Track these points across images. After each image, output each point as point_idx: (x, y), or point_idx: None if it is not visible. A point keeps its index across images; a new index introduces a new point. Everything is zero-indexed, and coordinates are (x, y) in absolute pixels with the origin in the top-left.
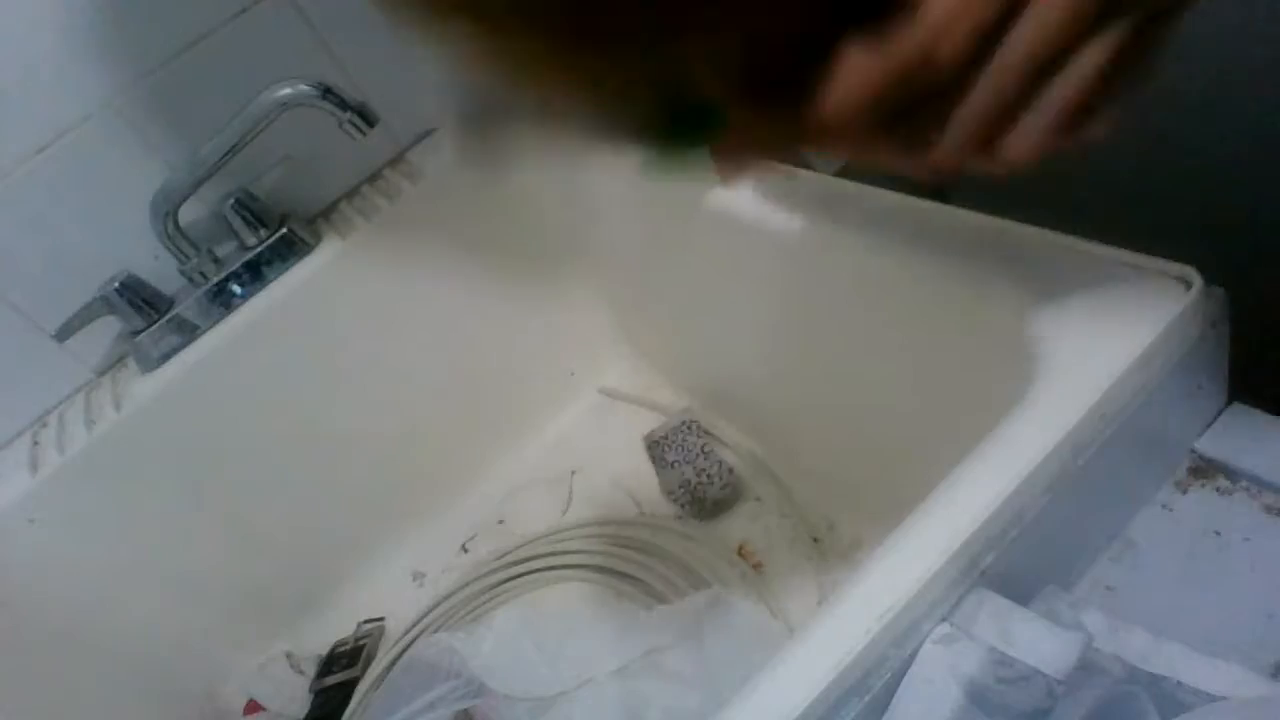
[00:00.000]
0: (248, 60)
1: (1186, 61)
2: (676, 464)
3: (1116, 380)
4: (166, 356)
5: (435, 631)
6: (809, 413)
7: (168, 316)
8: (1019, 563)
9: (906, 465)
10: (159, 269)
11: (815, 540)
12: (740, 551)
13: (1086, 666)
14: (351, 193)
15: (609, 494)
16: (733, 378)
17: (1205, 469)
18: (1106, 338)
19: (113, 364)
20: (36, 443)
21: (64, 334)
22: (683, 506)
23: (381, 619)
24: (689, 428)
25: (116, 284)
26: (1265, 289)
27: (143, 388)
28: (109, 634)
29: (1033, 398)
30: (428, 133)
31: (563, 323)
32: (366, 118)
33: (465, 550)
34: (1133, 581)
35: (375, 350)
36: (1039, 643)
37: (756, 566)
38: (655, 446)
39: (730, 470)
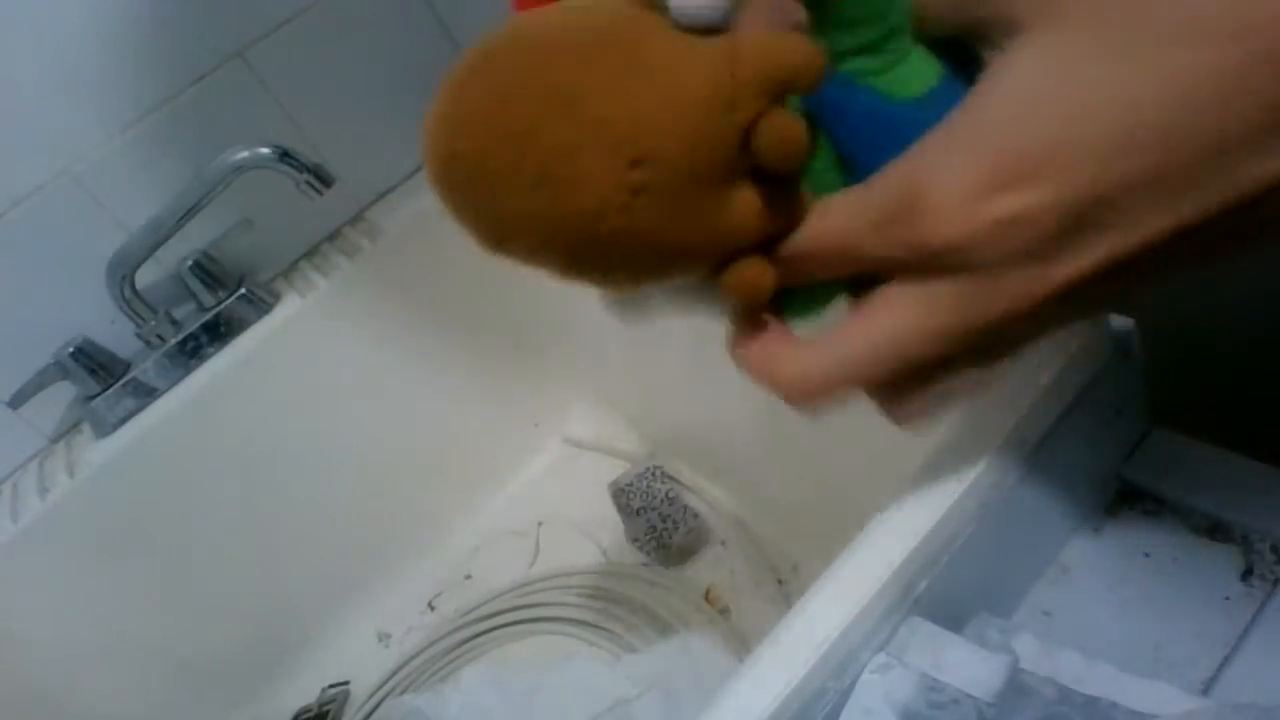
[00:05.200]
0: (206, 126)
1: None
2: (642, 511)
3: (1027, 411)
4: (122, 421)
5: (402, 693)
6: (771, 456)
7: (123, 380)
8: (952, 590)
9: (866, 504)
10: (115, 333)
11: (780, 582)
12: (707, 596)
13: (1019, 689)
14: (311, 252)
15: (576, 544)
16: (695, 424)
17: (1132, 493)
18: (1017, 371)
19: (67, 430)
20: None
21: (18, 401)
22: (649, 553)
23: (346, 683)
24: (653, 474)
25: (71, 349)
26: (1182, 318)
27: (97, 453)
28: (63, 708)
29: (954, 430)
30: (386, 191)
31: (526, 374)
32: (323, 178)
33: (431, 608)
34: (1068, 605)
35: (336, 408)
36: (967, 667)
37: (723, 611)
38: (620, 494)
39: (695, 515)
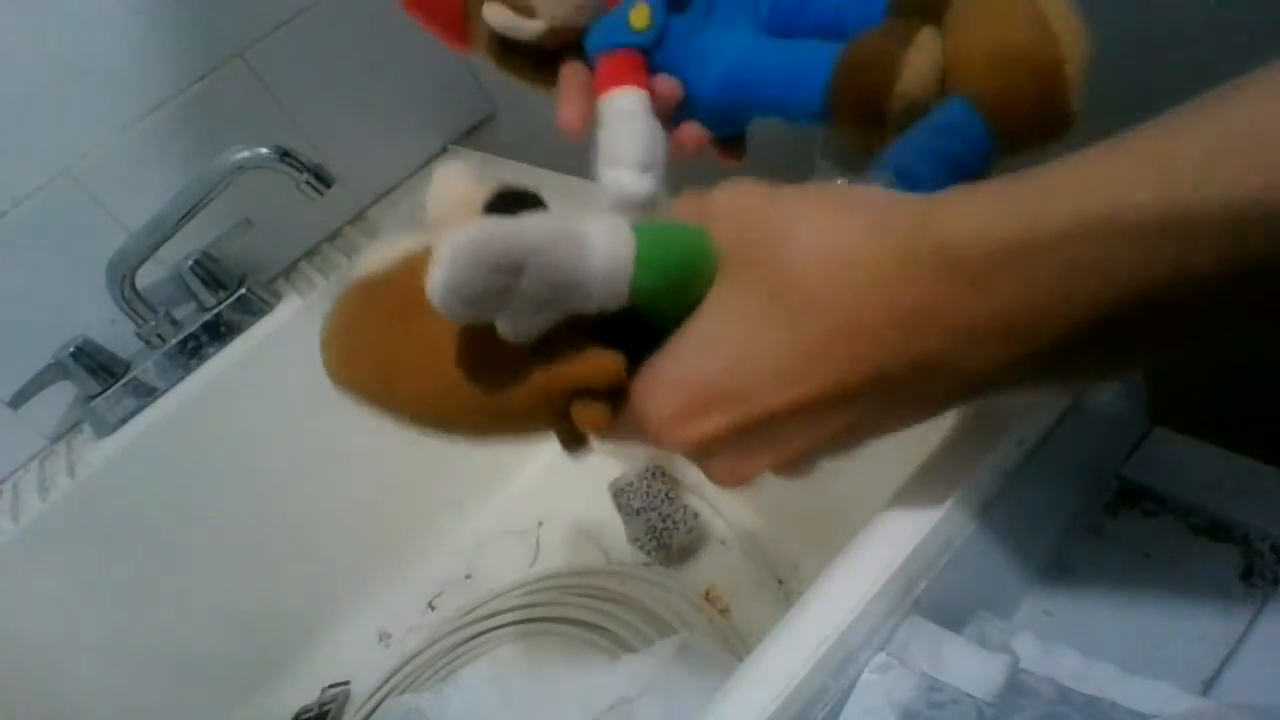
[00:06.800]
0: (206, 126)
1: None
2: (642, 511)
3: (1028, 412)
4: (123, 421)
5: (402, 693)
6: None
7: (124, 380)
8: (952, 590)
9: (866, 503)
10: (116, 333)
11: (780, 582)
12: (707, 596)
13: (1018, 689)
14: (311, 252)
15: (576, 544)
16: None
17: (1132, 493)
18: None
19: (67, 430)
20: None
21: (18, 401)
22: (649, 553)
23: (346, 683)
24: (653, 474)
25: (71, 349)
26: None
27: (97, 453)
28: (64, 707)
29: (954, 430)
30: (386, 191)
31: None
32: (323, 178)
33: (432, 608)
34: (1068, 605)
35: (336, 407)
36: (966, 666)
37: (724, 611)
38: (620, 494)
39: (695, 515)
